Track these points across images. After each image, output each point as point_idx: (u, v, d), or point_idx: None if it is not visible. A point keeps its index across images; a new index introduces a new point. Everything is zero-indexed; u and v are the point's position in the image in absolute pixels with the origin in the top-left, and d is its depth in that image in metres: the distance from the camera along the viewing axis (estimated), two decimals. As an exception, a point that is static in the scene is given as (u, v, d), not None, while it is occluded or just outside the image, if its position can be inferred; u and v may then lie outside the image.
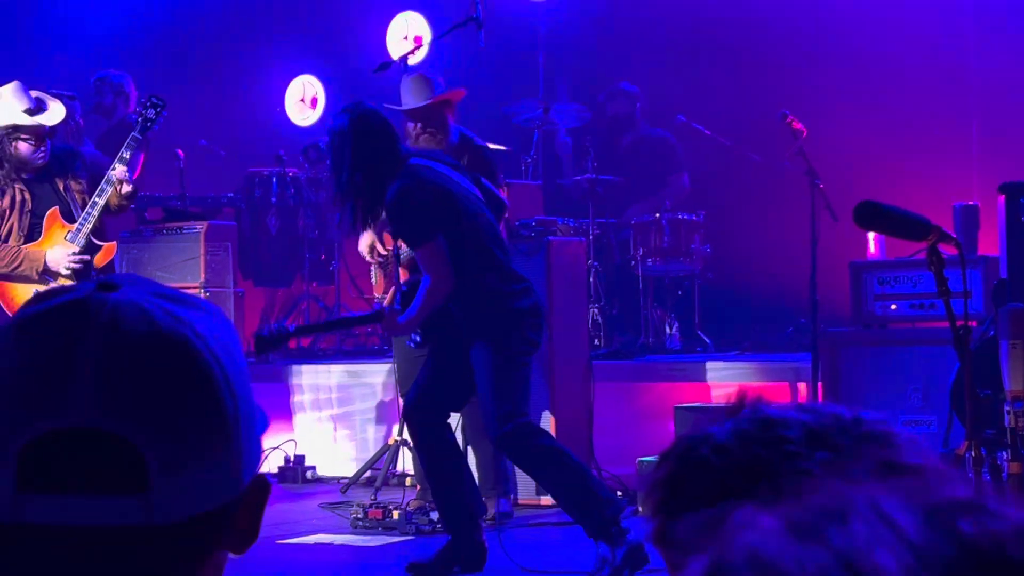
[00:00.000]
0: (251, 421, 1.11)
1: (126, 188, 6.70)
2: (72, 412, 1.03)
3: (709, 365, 7.95)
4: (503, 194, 6.30)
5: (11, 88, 6.65)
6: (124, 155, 6.68)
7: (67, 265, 6.62)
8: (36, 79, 7.43)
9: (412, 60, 8.33)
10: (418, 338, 5.64)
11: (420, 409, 5.59)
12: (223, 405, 1.07)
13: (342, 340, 9.75)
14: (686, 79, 10.01)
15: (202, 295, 8.42)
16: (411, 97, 6.59)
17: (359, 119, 5.36)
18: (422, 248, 5.38)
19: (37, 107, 6.59)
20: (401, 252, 6.22)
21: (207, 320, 1.10)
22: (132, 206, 7.13)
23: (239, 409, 1.09)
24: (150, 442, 1.03)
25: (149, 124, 6.93)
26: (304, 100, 11.56)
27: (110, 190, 6.66)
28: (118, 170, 6.64)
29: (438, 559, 5.51)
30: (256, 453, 1.12)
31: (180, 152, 9.30)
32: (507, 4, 10.11)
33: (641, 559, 5.30)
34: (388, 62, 7.94)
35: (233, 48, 11.46)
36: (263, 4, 11.57)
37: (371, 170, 5.33)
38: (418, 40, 10.17)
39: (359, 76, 9.35)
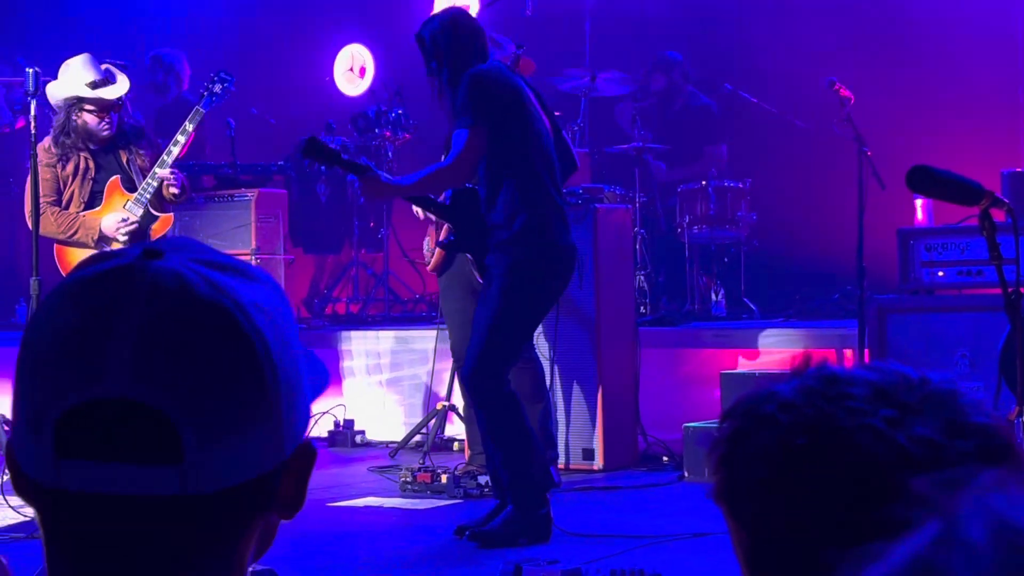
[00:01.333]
0: (294, 389, 1.08)
1: (173, 188, 6.75)
2: (109, 382, 1.01)
3: (755, 332, 7.90)
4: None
5: (80, 60, 6.70)
6: (187, 127, 6.77)
7: (121, 231, 6.68)
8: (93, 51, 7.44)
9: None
10: (450, 238, 5.67)
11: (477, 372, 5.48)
12: (262, 376, 1.05)
13: (390, 307, 9.75)
14: (733, 47, 9.93)
15: (253, 262, 8.44)
16: None
17: (459, 15, 5.58)
18: (464, 128, 5.34)
19: (104, 80, 6.65)
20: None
21: (250, 287, 1.07)
22: (187, 197, 7.20)
23: (279, 379, 1.06)
24: (185, 414, 1.01)
25: (214, 99, 7.00)
26: (353, 70, 11.54)
27: (170, 161, 6.73)
28: (162, 172, 6.68)
29: (504, 528, 5.40)
30: (301, 421, 1.10)
31: (231, 121, 9.31)
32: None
33: (543, 534, 5.30)
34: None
35: (283, 19, 11.45)
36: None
37: (464, 62, 5.40)
38: (466, 9, 10.11)
39: (407, 45, 9.29)
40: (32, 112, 6.06)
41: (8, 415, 6.62)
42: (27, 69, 6.09)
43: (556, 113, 5.95)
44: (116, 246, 6.67)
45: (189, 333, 1.03)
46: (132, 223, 6.74)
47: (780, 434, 1.06)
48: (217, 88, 7.00)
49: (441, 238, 6.08)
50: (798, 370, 1.11)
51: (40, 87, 6.09)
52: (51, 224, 6.67)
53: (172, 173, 6.75)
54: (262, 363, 1.05)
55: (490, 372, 5.37)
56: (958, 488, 0.73)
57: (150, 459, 1.01)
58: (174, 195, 6.79)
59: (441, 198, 5.77)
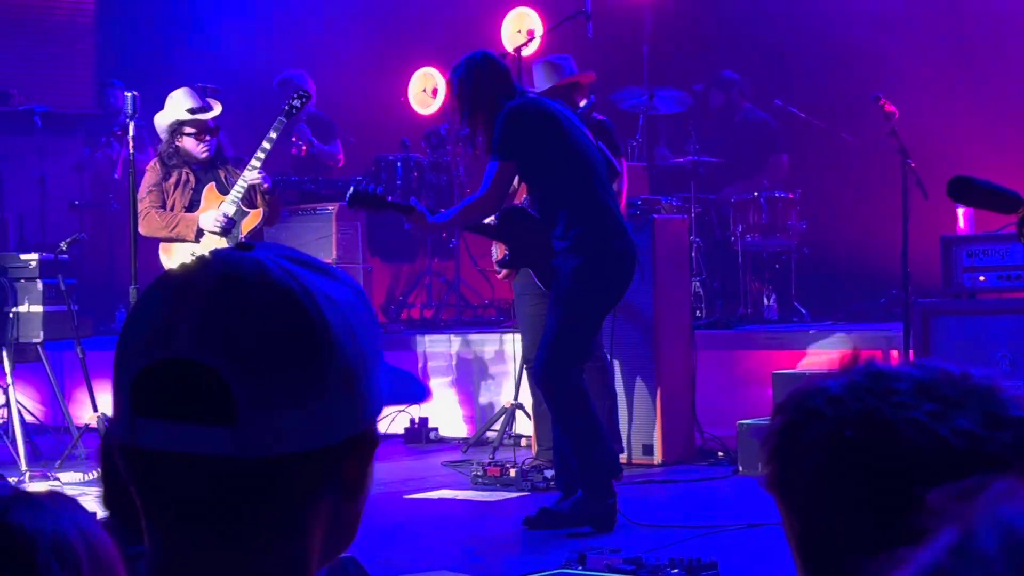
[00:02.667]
0: (354, 377, 1.09)
1: (264, 186, 7.08)
2: (177, 345, 1.05)
3: (805, 334, 7.85)
4: (622, 162, 6.33)
5: (182, 91, 7.13)
6: (271, 135, 7.03)
7: (217, 224, 6.95)
8: (183, 74, 7.57)
9: (525, 52, 8.32)
10: (506, 255, 5.68)
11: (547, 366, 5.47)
12: (319, 356, 1.06)
13: (461, 312, 9.78)
14: (783, 64, 9.89)
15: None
16: (542, 80, 6.70)
17: (483, 60, 5.53)
18: (495, 161, 5.36)
19: (201, 107, 6.99)
20: None
21: (327, 282, 1.09)
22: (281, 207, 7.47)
23: (338, 363, 1.07)
24: (240, 378, 1.04)
25: (294, 112, 7.32)
26: (426, 91, 11.59)
27: (259, 167, 6.95)
28: (251, 176, 6.96)
29: (573, 510, 5.41)
30: (362, 409, 1.10)
31: (315, 140, 9.40)
32: (613, -2, 10.05)
33: (608, 523, 5.27)
34: (503, 54, 7.93)
35: (361, 44, 11.53)
36: (389, 5, 11.62)
37: (491, 102, 5.41)
38: (531, 33, 10.13)
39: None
40: (131, 132, 6.18)
41: (110, 414, 6.67)
42: (126, 93, 6.20)
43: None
44: (212, 238, 7.03)
45: (253, 306, 1.06)
46: (225, 219, 7.03)
47: (829, 426, 1.06)
48: (297, 103, 7.32)
49: (497, 258, 6.11)
50: (847, 367, 1.11)
51: (138, 110, 6.21)
52: (156, 222, 7.01)
53: (260, 174, 7.01)
54: (321, 344, 1.06)
55: (559, 368, 5.38)
56: (972, 498, 0.73)
57: (207, 419, 1.04)
58: (265, 192, 7.09)
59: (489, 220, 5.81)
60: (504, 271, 6.43)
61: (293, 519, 1.09)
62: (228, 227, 7.06)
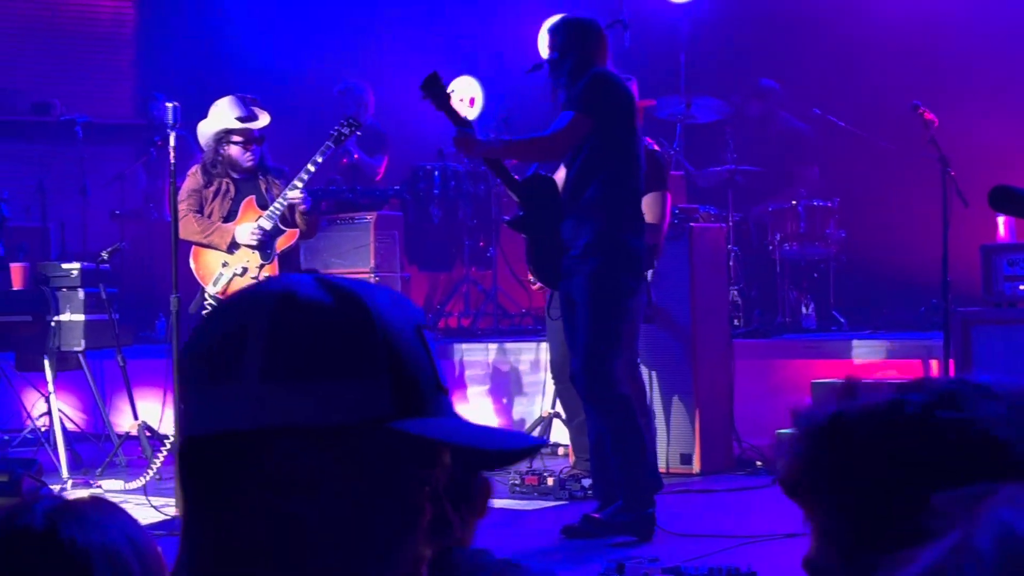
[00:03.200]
0: (394, 367, 1.09)
1: (301, 206, 7.06)
2: (237, 316, 1.09)
3: (844, 343, 7.82)
4: (667, 196, 6.34)
5: (227, 99, 7.16)
6: (317, 159, 7.05)
7: (251, 238, 6.96)
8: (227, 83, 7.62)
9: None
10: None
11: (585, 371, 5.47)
12: (363, 342, 1.07)
13: (499, 321, 9.79)
14: (821, 73, 9.85)
15: (372, 279, 8.55)
16: None
17: (593, 23, 5.64)
18: (573, 112, 5.37)
19: (248, 115, 7.01)
20: None
21: (381, 292, 1.11)
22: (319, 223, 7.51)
23: (385, 349, 1.08)
24: (262, 337, 1.05)
25: (342, 139, 7.31)
26: (463, 100, 11.62)
27: (300, 187, 6.96)
28: (293, 195, 6.95)
29: (612, 519, 5.40)
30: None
31: (352, 150, 9.45)
32: (650, 6, 10.04)
33: (647, 533, 5.27)
34: (540, 63, 7.92)
35: (397, 51, 11.57)
36: (427, 11, 11.66)
37: (588, 63, 5.44)
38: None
39: (513, 77, 9.36)
40: (171, 143, 6.21)
41: (152, 424, 6.70)
42: (167, 104, 6.25)
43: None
44: (246, 251, 7.05)
45: (304, 287, 1.08)
46: (261, 233, 7.02)
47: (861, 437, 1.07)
48: (346, 130, 7.29)
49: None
50: (844, 393, 1.11)
51: (178, 120, 6.24)
52: (192, 226, 7.05)
53: (302, 194, 6.98)
54: (374, 324, 1.07)
55: (596, 371, 5.38)
56: (977, 503, 0.74)
57: (226, 378, 1.04)
58: (303, 212, 7.07)
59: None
60: (539, 283, 6.42)
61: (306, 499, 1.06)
62: (263, 242, 7.05)
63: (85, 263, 7.95)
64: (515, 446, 1.16)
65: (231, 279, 7.05)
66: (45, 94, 11.76)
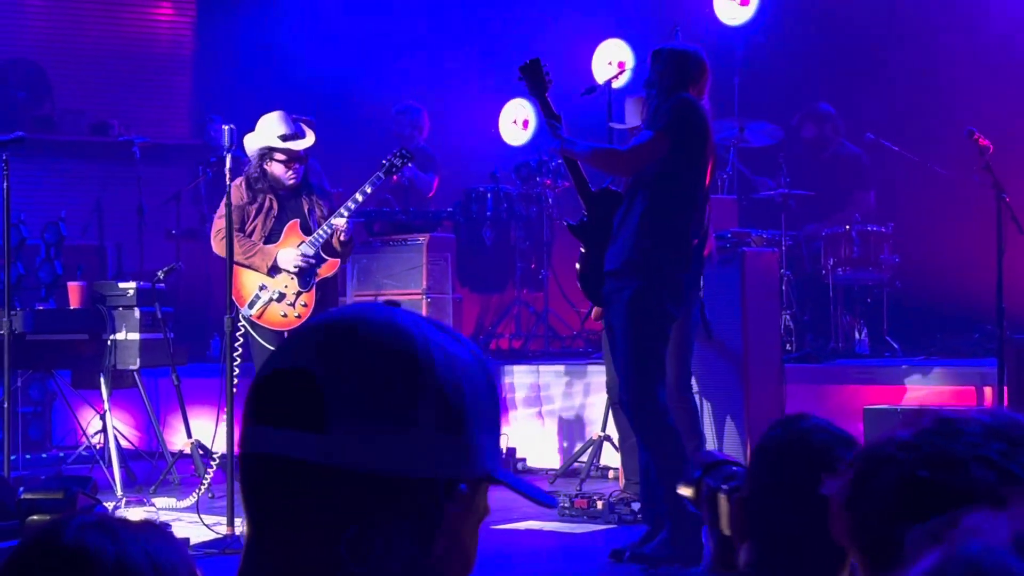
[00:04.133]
0: (454, 425, 1.14)
1: (343, 236, 7.03)
2: (294, 357, 1.14)
3: (897, 369, 7.77)
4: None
5: (275, 115, 7.11)
6: (367, 189, 7.04)
7: (294, 264, 6.97)
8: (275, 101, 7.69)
9: (616, 84, 8.35)
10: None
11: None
12: (416, 386, 1.12)
13: (550, 343, 9.81)
14: (876, 98, 9.81)
15: (424, 301, 8.61)
16: (634, 116, 6.73)
17: (698, 54, 5.67)
18: (652, 131, 5.41)
19: (294, 134, 6.99)
20: None
21: (450, 341, 1.17)
22: (353, 249, 7.47)
23: (435, 401, 1.13)
24: (335, 391, 1.11)
25: (394, 170, 7.32)
26: (516, 122, 11.67)
27: (347, 215, 6.97)
28: (338, 222, 6.94)
29: (661, 549, 5.40)
30: (453, 458, 1.15)
31: (406, 171, 9.50)
32: (705, 30, 10.04)
33: (697, 558, 5.23)
34: (594, 86, 7.98)
35: (452, 74, 11.64)
36: (479, 33, 11.73)
37: (676, 82, 5.50)
38: (621, 65, 10.17)
39: (567, 99, 9.39)
40: (228, 164, 6.29)
41: (205, 442, 6.76)
42: (224, 127, 6.32)
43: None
44: (285, 276, 7.02)
45: (370, 332, 1.14)
46: (304, 260, 6.99)
47: (902, 470, 1.08)
48: (398, 161, 7.29)
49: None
50: (910, 421, 1.13)
51: (235, 142, 6.32)
52: (234, 246, 6.87)
53: (346, 224, 6.97)
54: (420, 377, 1.13)
55: (639, 400, 5.39)
56: (945, 534, 0.76)
57: (302, 424, 1.11)
58: (342, 243, 7.06)
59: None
60: (596, 311, 6.44)
61: (359, 536, 1.13)
62: (305, 269, 7.06)
63: (141, 282, 8.04)
64: (543, 500, 1.30)
65: (267, 303, 7.04)
66: (104, 115, 11.94)
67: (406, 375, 1.12)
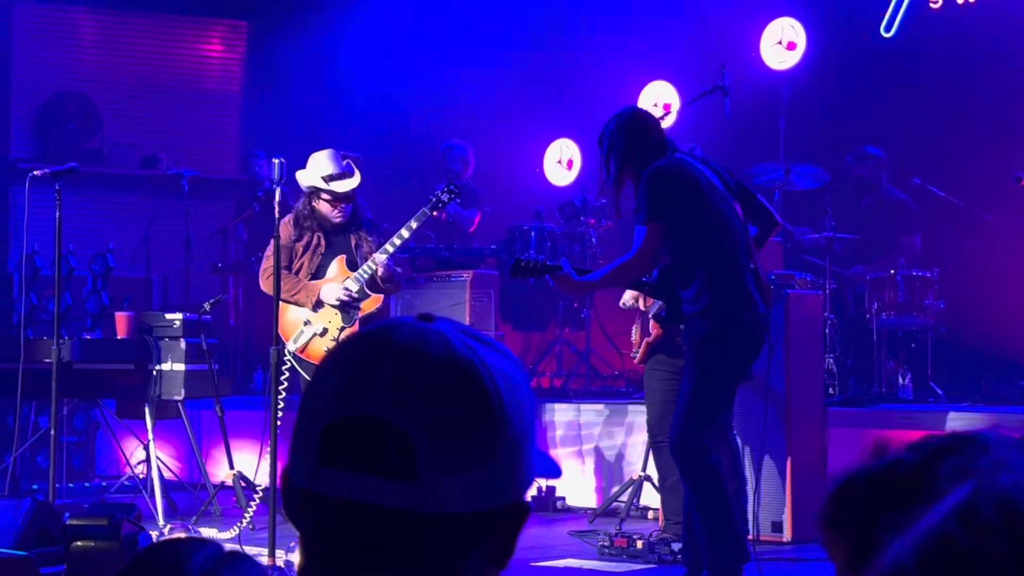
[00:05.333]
0: (518, 447, 1.18)
1: (380, 271, 7.06)
2: (368, 403, 1.14)
3: (942, 415, 7.73)
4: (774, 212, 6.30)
5: (324, 153, 7.18)
6: (412, 224, 7.08)
7: (336, 298, 7.02)
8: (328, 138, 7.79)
9: (662, 125, 8.38)
10: (663, 313, 5.69)
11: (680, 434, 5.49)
12: (494, 424, 1.16)
13: (591, 382, 9.82)
14: (922, 142, 9.81)
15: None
16: None
17: (632, 116, 5.58)
18: (644, 224, 5.37)
19: (341, 173, 7.05)
20: (651, 308, 6.29)
21: (498, 357, 1.19)
22: (397, 287, 7.50)
23: (507, 432, 1.16)
24: (423, 438, 1.13)
25: (440, 206, 7.34)
26: (561, 162, 11.74)
27: (392, 251, 7.03)
28: (380, 258, 7.00)
29: None
30: (521, 478, 1.19)
31: (450, 209, 9.57)
32: (751, 72, 10.09)
33: None
34: (640, 127, 8.00)
35: (499, 114, 11.73)
36: (525, 75, 11.82)
37: (640, 159, 5.44)
38: (667, 107, 10.22)
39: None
40: (277, 199, 6.36)
41: (247, 474, 6.81)
42: (273, 160, 6.41)
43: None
44: (329, 311, 7.06)
45: (439, 374, 1.15)
46: (347, 295, 7.04)
47: (908, 469, 1.08)
48: (445, 197, 7.32)
49: (653, 312, 6.14)
50: (876, 453, 1.14)
51: (284, 176, 6.40)
52: (280, 283, 6.97)
53: (387, 260, 7.03)
54: (495, 414, 1.16)
55: (691, 440, 5.39)
56: (971, 471, 0.77)
57: (389, 473, 1.13)
58: (383, 279, 7.10)
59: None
60: (640, 355, 6.46)
61: (448, 574, 1.16)
62: (348, 304, 7.11)
63: (187, 314, 8.13)
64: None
65: (311, 338, 7.10)
66: (153, 148, 12.10)
67: (484, 415, 1.15)
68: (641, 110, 5.70)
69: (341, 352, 1.20)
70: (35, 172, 7.09)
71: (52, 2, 12.08)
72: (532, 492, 8.34)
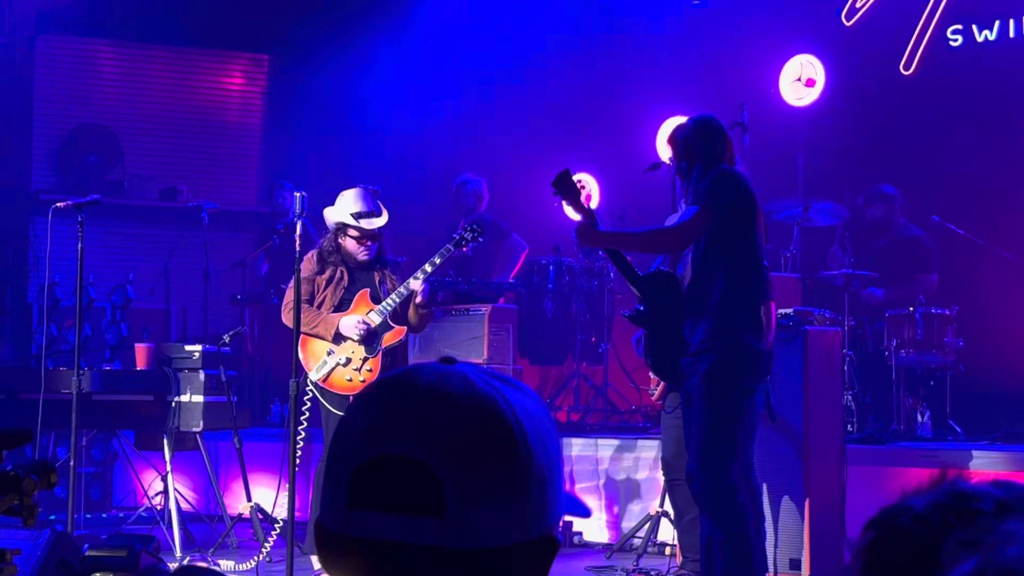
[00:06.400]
0: (545, 481, 1.21)
1: (418, 299, 7.09)
2: (394, 443, 1.17)
3: (961, 453, 7.72)
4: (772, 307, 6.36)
5: (353, 192, 7.19)
6: (435, 260, 7.09)
7: (356, 331, 7.02)
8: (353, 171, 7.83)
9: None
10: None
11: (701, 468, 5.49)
12: (519, 458, 1.19)
13: (608, 417, 9.83)
14: (941, 180, 9.83)
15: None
16: None
17: (711, 120, 5.68)
18: (696, 207, 5.43)
19: (369, 212, 7.07)
20: None
21: (520, 395, 1.23)
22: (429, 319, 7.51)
23: (533, 467, 1.19)
24: (450, 474, 1.16)
25: (463, 244, 7.33)
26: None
27: (421, 277, 7.05)
28: (416, 284, 7.03)
29: None
30: (550, 513, 1.22)
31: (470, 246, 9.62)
32: (770, 109, 10.14)
33: None
34: (658, 163, 8.03)
35: (518, 149, 11.78)
36: (546, 110, 11.88)
37: (713, 159, 5.52)
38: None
39: (631, 175, 9.50)
40: (298, 231, 6.41)
41: (265, 507, 6.82)
42: (295, 193, 6.45)
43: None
44: (350, 344, 7.07)
45: (463, 411, 1.19)
46: (365, 328, 7.06)
47: (916, 544, 1.10)
48: (468, 236, 7.32)
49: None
50: (933, 484, 1.16)
51: (305, 209, 6.45)
52: (301, 316, 6.92)
53: (422, 286, 7.08)
54: (520, 448, 1.19)
55: (712, 474, 5.40)
56: (978, 544, 0.78)
57: (419, 510, 1.16)
58: (419, 304, 7.12)
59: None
60: (657, 392, 6.47)
61: None
62: (368, 336, 7.11)
63: (207, 345, 8.17)
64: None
65: (333, 368, 7.11)
66: (173, 180, 12.18)
67: (509, 450, 1.18)
68: (716, 121, 5.76)
69: (366, 397, 1.23)
70: (59, 204, 7.16)
71: (74, 35, 12.20)
72: (549, 527, 8.33)
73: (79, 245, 6.90)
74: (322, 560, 1.23)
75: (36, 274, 10.99)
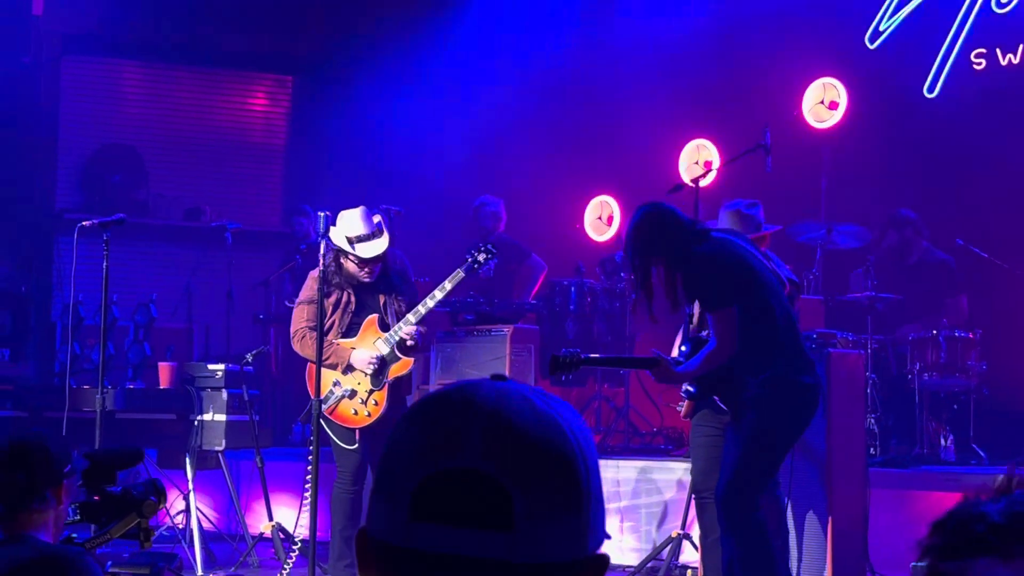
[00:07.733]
0: (599, 500, 1.23)
1: (409, 342, 6.98)
2: (461, 457, 1.18)
3: (985, 477, 7.67)
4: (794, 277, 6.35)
5: (354, 212, 6.95)
6: (446, 286, 7.01)
7: (368, 366, 6.93)
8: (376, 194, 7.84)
9: (703, 183, 8.43)
10: (692, 389, 5.72)
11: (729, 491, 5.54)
12: (578, 476, 1.21)
13: (629, 439, 9.82)
14: (964, 203, 9.82)
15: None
16: (729, 227, 6.72)
17: (649, 214, 5.59)
18: (716, 312, 5.45)
19: (369, 235, 6.86)
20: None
21: (570, 413, 1.25)
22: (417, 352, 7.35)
23: (592, 483, 1.22)
24: (519, 489, 1.17)
25: (476, 267, 7.25)
26: (601, 218, 11.81)
27: (424, 312, 6.97)
28: (406, 330, 6.95)
29: None
30: (603, 530, 1.24)
31: (492, 263, 9.63)
32: (793, 131, 10.14)
33: None
34: (680, 185, 8.08)
35: (540, 171, 11.81)
36: (568, 131, 11.91)
37: (676, 252, 5.50)
38: (708, 165, 10.28)
39: (652, 197, 9.50)
40: (321, 251, 6.42)
41: (286, 526, 6.81)
42: (319, 213, 6.47)
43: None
44: (358, 374, 6.99)
45: (528, 428, 1.20)
46: (376, 363, 6.97)
47: (995, 557, 1.10)
48: (481, 258, 7.21)
49: (683, 389, 6.17)
50: (1002, 490, 1.15)
51: (328, 229, 6.47)
52: (309, 347, 6.90)
53: (415, 329, 6.96)
54: (579, 466, 1.21)
55: (740, 499, 5.44)
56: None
57: (486, 525, 1.17)
58: (409, 348, 7.01)
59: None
60: (684, 409, 6.48)
61: None
62: (378, 368, 6.99)
63: (230, 364, 8.20)
64: None
65: (340, 399, 7.00)
66: (197, 200, 12.25)
67: (572, 466, 1.20)
68: (656, 205, 5.66)
69: (423, 411, 1.24)
70: (84, 223, 7.21)
71: (99, 55, 12.30)
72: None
73: (104, 264, 6.94)
74: (368, 574, 1.23)
75: (59, 293, 11.06)
